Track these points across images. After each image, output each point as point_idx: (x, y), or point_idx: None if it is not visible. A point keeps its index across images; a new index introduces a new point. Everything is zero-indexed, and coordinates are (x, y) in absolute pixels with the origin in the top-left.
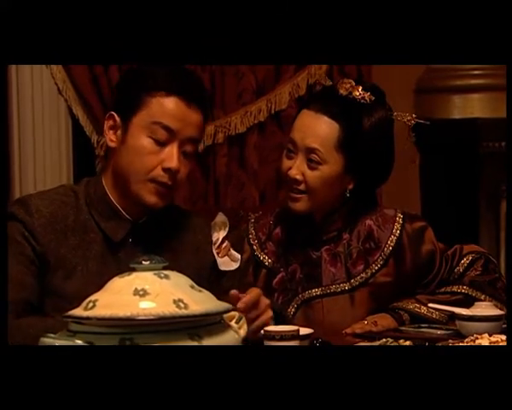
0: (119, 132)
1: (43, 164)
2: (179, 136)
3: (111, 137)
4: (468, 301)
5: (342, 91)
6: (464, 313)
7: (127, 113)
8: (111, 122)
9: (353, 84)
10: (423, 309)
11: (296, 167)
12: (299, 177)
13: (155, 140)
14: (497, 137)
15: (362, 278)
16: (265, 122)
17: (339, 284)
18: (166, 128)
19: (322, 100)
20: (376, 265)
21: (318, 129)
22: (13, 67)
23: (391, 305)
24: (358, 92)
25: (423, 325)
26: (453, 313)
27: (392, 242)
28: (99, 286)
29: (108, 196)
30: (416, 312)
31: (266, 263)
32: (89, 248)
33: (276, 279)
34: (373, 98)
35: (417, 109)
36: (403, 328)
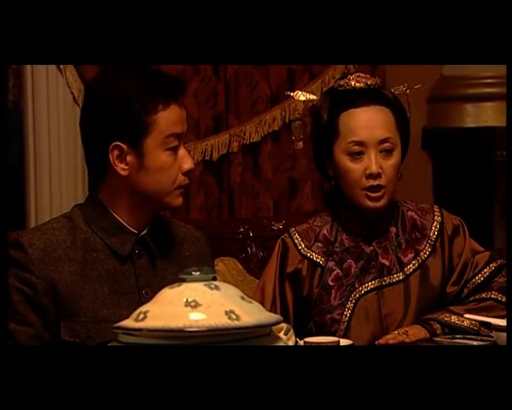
0: (129, 158)
1: (58, 173)
2: (183, 135)
3: (122, 167)
4: (497, 308)
5: (360, 85)
6: (502, 323)
7: (135, 138)
8: (117, 152)
9: (362, 74)
10: (453, 318)
11: (374, 163)
12: (380, 171)
13: (172, 149)
14: None
15: (414, 265)
16: (279, 131)
17: (393, 274)
18: (177, 135)
19: (361, 94)
20: (425, 252)
21: (381, 118)
22: (28, 75)
23: (422, 317)
24: (371, 80)
25: (458, 336)
26: (490, 323)
27: (436, 227)
28: (111, 303)
29: (110, 212)
30: (445, 321)
31: (321, 262)
32: (92, 268)
33: (331, 277)
34: (379, 81)
35: (430, 118)
36: (437, 339)
